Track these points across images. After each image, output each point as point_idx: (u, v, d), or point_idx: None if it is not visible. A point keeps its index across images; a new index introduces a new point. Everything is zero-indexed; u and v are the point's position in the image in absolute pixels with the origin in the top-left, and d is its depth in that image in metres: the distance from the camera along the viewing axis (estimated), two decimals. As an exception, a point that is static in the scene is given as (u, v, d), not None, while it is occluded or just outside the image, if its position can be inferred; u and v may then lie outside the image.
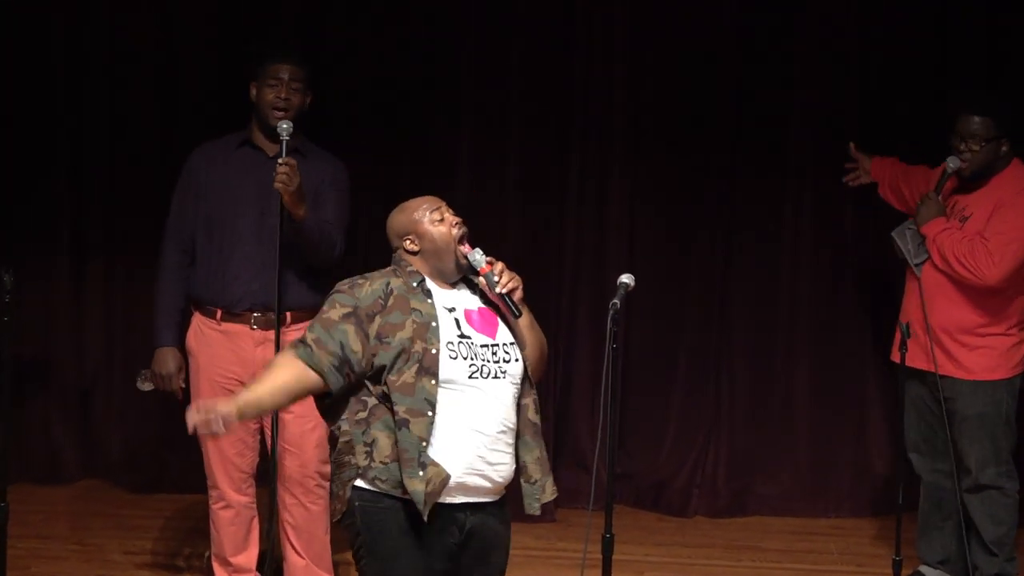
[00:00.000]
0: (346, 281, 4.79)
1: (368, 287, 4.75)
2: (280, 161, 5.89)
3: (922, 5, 7.66)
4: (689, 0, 7.80)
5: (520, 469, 4.80)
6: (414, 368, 4.65)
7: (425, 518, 4.62)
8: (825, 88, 7.79)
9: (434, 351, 4.66)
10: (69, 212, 8.09)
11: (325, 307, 4.75)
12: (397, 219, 4.88)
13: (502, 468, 4.73)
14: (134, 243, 7.86)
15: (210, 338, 6.22)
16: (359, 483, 4.69)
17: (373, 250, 7.38)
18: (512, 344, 4.78)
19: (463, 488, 4.68)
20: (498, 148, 7.93)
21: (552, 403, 7.76)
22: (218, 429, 4.55)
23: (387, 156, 7.89)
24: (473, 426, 4.67)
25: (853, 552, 7.40)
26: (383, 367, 4.66)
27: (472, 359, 4.69)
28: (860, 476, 7.95)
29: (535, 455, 4.80)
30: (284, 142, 5.97)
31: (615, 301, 4.72)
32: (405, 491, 4.62)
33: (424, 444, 4.62)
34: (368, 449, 4.67)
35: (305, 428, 6.17)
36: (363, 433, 4.68)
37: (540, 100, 7.90)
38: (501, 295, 4.74)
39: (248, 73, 6.28)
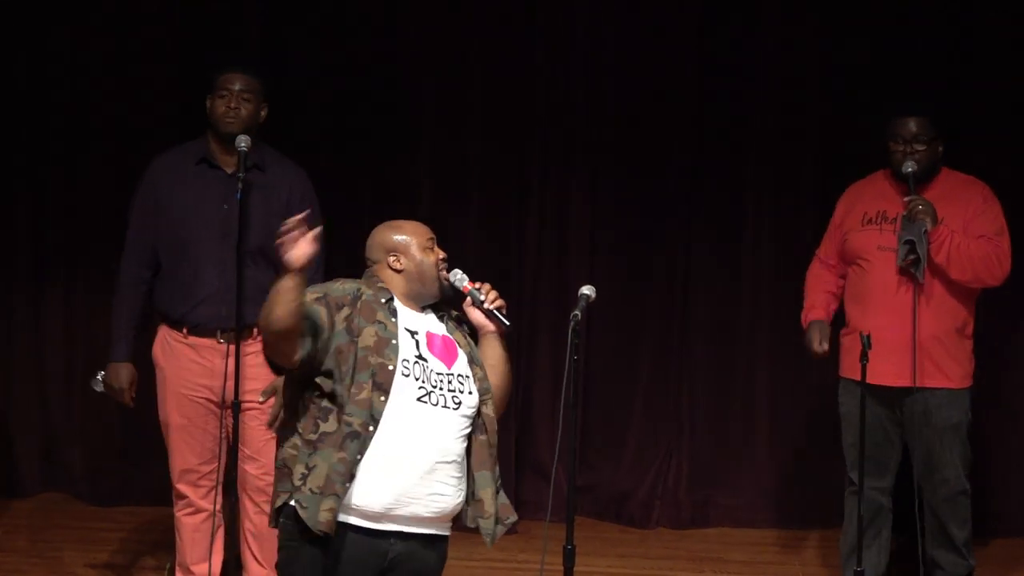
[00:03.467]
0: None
1: (339, 284, 4.77)
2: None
3: (880, 26, 7.70)
4: (650, 20, 7.83)
5: (476, 504, 4.76)
6: (370, 383, 4.64)
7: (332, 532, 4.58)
8: (784, 110, 7.81)
9: (391, 367, 4.64)
10: (27, 226, 8.04)
11: None
12: (386, 235, 4.86)
13: (439, 500, 4.68)
14: (94, 255, 7.82)
15: (177, 351, 6.20)
16: (291, 502, 4.65)
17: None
18: (467, 377, 4.76)
19: (391, 516, 4.64)
20: (459, 174, 7.95)
21: (513, 414, 7.73)
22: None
23: (345, 180, 7.87)
24: (410, 452, 4.62)
25: (816, 564, 7.42)
26: (331, 370, 4.62)
27: (424, 382, 4.67)
28: (822, 487, 7.96)
29: (490, 491, 4.76)
30: (243, 155, 5.94)
31: (576, 312, 4.72)
32: (320, 526, 4.58)
33: (359, 457, 4.60)
34: (305, 472, 4.61)
35: (268, 435, 6.14)
36: (308, 456, 4.63)
37: (501, 122, 7.91)
38: (489, 310, 4.79)
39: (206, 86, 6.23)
